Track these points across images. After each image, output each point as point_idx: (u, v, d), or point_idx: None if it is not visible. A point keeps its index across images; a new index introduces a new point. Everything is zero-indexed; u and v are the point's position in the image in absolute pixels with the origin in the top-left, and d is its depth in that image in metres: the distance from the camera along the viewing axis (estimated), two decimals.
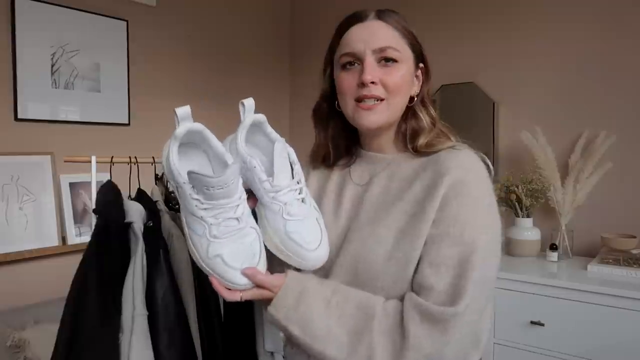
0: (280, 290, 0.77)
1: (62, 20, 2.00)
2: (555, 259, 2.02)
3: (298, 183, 0.83)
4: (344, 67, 0.87)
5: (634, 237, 1.99)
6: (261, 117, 0.86)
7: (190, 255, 0.81)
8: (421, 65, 0.91)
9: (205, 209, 0.75)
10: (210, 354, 1.06)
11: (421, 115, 0.89)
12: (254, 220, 0.81)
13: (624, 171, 2.07)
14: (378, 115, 0.85)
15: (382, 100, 0.85)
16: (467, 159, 0.83)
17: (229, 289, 0.77)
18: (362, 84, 0.84)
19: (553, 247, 2.04)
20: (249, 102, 0.84)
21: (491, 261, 0.79)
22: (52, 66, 1.98)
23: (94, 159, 1.15)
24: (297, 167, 0.85)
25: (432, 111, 0.91)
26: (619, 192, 2.09)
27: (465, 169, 0.81)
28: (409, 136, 0.89)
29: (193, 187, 0.75)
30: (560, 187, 2.07)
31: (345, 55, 0.87)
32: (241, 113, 0.85)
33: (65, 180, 1.97)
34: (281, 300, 0.77)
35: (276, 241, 0.80)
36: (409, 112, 0.90)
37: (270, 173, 0.81)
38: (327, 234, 0.84)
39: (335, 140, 0.96)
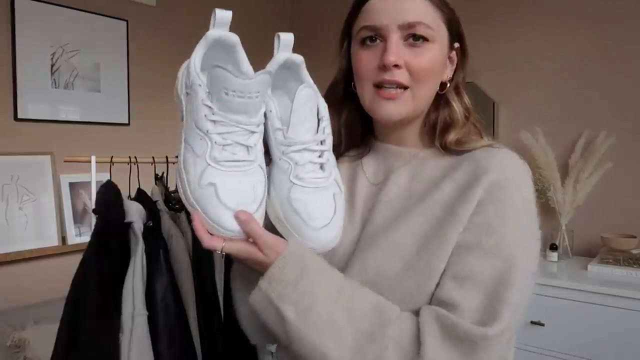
0: (279, 258, 0.61)
1: (62, 20, 2.00)
2: (555, 259, 2.02)
3: (321, 144, 0.67)
4: (363, 42, 0.72)
5: (634, 237, 1.99)
6: (298, 58, 0.70)
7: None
8: (457, 45, 0.76)
9: (214, 120, 0.61)
10: (210, 354, 1.06)
11: (454, 105, 0.75)
12: (264, 162, 0.67)
13: (624, 171, 2.07)
14: (400, 107, 0.71)
15: (405, 88, 0.70)
16: (508, 158, 0.71)
17: (212, 234, 0.61)
18: (383, 67, 0.69)
19: (553, 247, 2.03)
20: (287, 37, 0.69)
21: (531, 270, 0.68)
22: (52, 66, 1.98)
23: (93, 159, 1.15)
24: (325, 124, 0.68)
25: (467, 101, 0.77)
26: (619, 192, 2.09)
27: (506, 171, 0.68)
28: (439, 129, 0.75)
29: (209, 92, 0.62)
30: (560, 187, 2.07)
31: (365, 29, 0.72)
32: (275, 48, 0.69)
33: (65, 180, 1.97)
34: (278, 270, 0.61)
35: (277, 207, 0.66)
36: (441, 100, 0.76)
37: (288, 122, 0.66)
38: (342, 235, 0.69)
39: (349, 127, 0.81)
